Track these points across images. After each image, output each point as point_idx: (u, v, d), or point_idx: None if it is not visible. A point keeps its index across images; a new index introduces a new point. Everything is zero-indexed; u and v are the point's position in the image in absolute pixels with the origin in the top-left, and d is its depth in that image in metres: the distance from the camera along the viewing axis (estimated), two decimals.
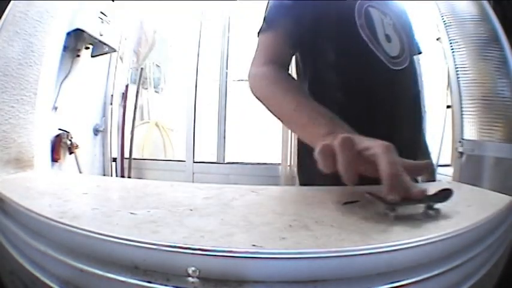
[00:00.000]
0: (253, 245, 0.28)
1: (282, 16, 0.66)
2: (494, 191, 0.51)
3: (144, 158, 2.05)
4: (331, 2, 0.67)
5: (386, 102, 0.65)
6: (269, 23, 0.66)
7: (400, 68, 0.65)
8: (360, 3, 0.66)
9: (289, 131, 1.72)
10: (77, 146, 1.65)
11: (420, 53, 0.78)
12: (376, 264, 0.29)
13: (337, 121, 0.50)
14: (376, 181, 0.39)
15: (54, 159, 1.50)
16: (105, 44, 1.75)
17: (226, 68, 1.99)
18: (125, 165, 1.94)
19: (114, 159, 1.94)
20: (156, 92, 2.26)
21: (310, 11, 0.65)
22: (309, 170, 0.70)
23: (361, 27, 0.64)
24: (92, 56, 1.77)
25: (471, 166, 0.78)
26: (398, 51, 0.66)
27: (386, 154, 0.38)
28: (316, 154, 0.41)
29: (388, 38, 0.66)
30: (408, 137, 0.67)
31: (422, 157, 0.71)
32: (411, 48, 0.71)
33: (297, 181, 0.78)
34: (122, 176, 1.95)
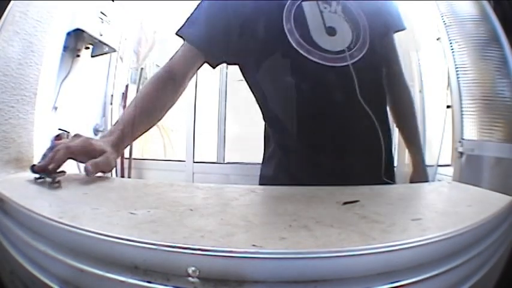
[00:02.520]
0: (253, 245, 0.28)
1: (204, 34, 0.66)
2: (494, 191, 0.51)
3: (144, 158, 2.05)
4: (259, 9, 0.63)
5: (330, 104, 0.61)
6: (186, 34, 0.67)
7: (350, 62, 0.60)
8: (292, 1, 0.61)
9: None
10: None
11: (402, 29, 0.73)
12: (376, 264, 0.29)
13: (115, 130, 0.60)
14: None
15: None
16: (105, 44, 1.75)
17: (226, 68, 1.99)
18: (124, 165, 1.94)
19: None
20: None
21: (236, 25, 0.63)
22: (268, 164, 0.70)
23: (289, 32, 0.60)
24: (92, 56, 1.77)
25: (471, 166, 0.78)
26: (349, 42, 0.61)
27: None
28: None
29: (331, 31, 0.61)
30: (364, 133, 0.63)
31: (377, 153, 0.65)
32: (379, 30, 0.66)
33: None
34: (122, 176, 1.95)
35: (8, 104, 0.60)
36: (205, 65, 0.69)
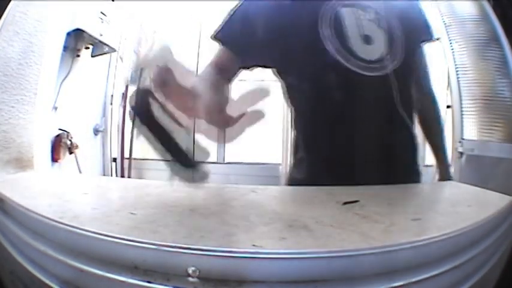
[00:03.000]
0: (253, 245, 0.28)
1: (234, 34, 0.66)
2: (494, 191, 0.51)
3: (144, 158, 2.05)
4: (294, 12, 0.63)
5: (363, 113, 0.61)
6: (222, 37, 0.67)
7: (382, 72, 0.60)
8: (330, 5, 0.62)
9: (290, 131, 1.72)
10: (77, 146, 1.65)
11: (432, 39, 0.73)
12: (376, 264, 0.29)
13: None
14: None
15: (54, 159, 1.49)
16: (105, 44, 1.75)
17: None
18: (124, 165, 1.94)
19: (114, 159, 1.94)
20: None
21: (270, 30, 0.63)
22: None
23: (326, 38, 0.60)
24: (92, 56, 1.77)
25: (471, 166, 0.78)
26: (383, 52, 0.62)
27: None
28: None
29: (367, 40, 0.62)
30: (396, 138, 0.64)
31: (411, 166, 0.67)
32: (412, 40, 0.66)
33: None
34: (122, 176, 1.95)
35: (8, 104, 0.60)
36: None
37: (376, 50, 0.61)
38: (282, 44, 0.64)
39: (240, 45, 0.66)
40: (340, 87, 0.61)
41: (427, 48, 0.74)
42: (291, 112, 0.70)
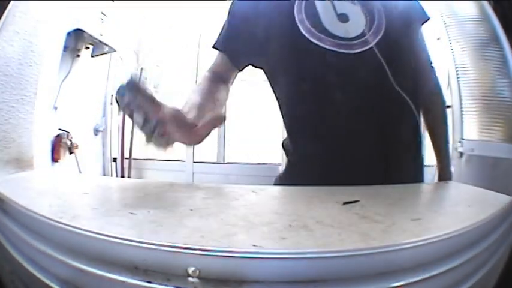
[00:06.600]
0: (253, 245, 0.28)
1: (225, 39, 0.70)
2: (494, 191, 0.51)
3: (144, 158, 2.05)
4: (273, 6, 0.64)
5: (343, 91, 0.59)
6: (216, 44, 0.71)
7: (364, 48, 0.59)
8: None
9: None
10: (77, 146, 1.65)
11: (427, 20, 0.69)
12: (376, 264, 0.29)
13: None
14: None
15: (54, 159, 1.50)
16: (105, 44, 1.75)
17: None
18: (125, 165, 1.94)
19: (114, 159, 1.94)
20: (156, 92, 2.26)
21: (253, 30, 0.65)
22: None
23: (300, 22, 0.60)
24: (92, 56, 1.77)
25: (471, 166, 0.78)
26: (363, 28, 0.60)
27: None
28: None
29: (343, 18, 0.61)
30: (380, 125, 0.60)
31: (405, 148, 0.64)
32: (400, 17, 0.64)
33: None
34: (122, 176, 1.95)
35: (8, 104, 0.60)
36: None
37: (354, 27, 0.60)
38: (264, 38, 0.64)
39: (228, 45, 0.70)
40: (312, 67, 0.60)
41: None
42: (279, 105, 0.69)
